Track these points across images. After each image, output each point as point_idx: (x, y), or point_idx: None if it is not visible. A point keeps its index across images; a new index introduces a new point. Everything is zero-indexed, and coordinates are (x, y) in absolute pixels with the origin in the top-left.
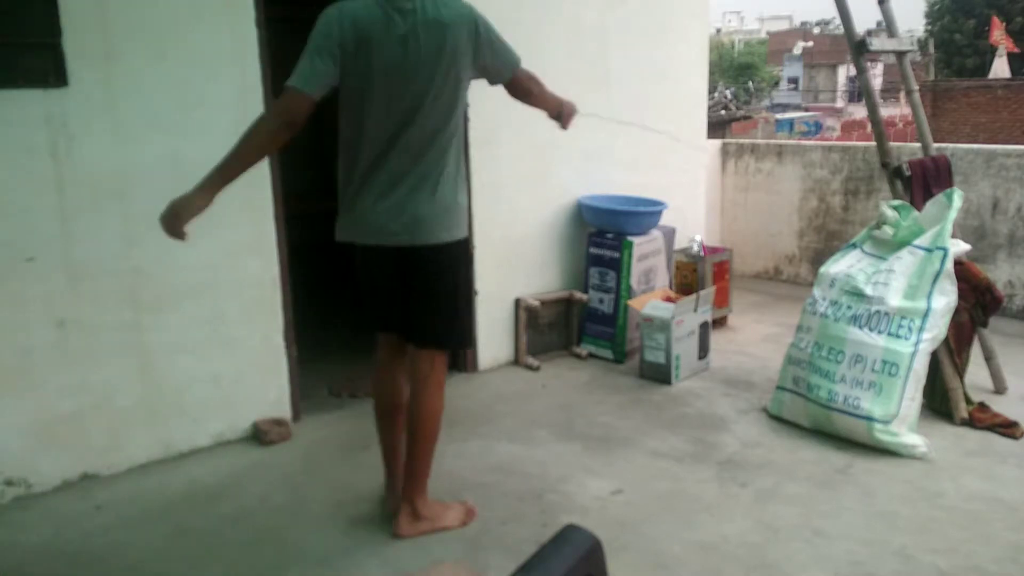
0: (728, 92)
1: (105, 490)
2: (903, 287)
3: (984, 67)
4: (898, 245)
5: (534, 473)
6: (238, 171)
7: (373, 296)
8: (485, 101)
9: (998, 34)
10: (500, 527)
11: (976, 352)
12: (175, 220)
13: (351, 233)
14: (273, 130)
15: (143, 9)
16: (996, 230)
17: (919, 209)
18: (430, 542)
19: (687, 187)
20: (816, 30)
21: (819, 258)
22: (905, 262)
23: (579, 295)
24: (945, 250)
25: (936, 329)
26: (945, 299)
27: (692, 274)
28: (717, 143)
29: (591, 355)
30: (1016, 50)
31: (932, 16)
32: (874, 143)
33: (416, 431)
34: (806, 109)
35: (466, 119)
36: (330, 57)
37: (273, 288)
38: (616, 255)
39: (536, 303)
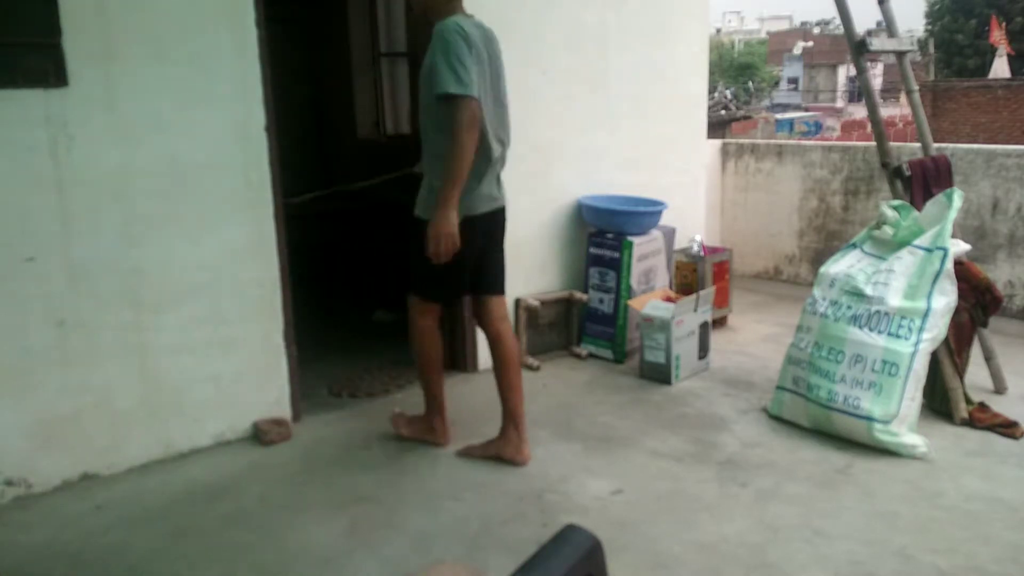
0: (728, 92)
1: (105, 490)
2: (903, 287)
3: (984, 67)
4: (898, 245)
5: (534, 473)
6: (463, 179)
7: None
8: None
9: (997, 34)
10: (500, 527)
11: (976, 352)
12: (452, 239)
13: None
14: (475, 138)
15: (143, 9)
16: (996, 230)
17: (919, 209)
18: (430, 542)
19: (687, 187)
20: (816, 30)
21: (819, 258)
22: (905, 262)
23: (579, 295)
24: (945, 250)
25: (936, 329)
26: (945, 299)
27: (692, 274)
28: (717, 143)
29: (591, 355)
30: (1012, 52)
31: (932, 16)
32: (874, 143)
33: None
34: (806, 109)
35: None
36: (476, 65)
37: (273, 288)
38: (616, 255)
39: (536, 303)
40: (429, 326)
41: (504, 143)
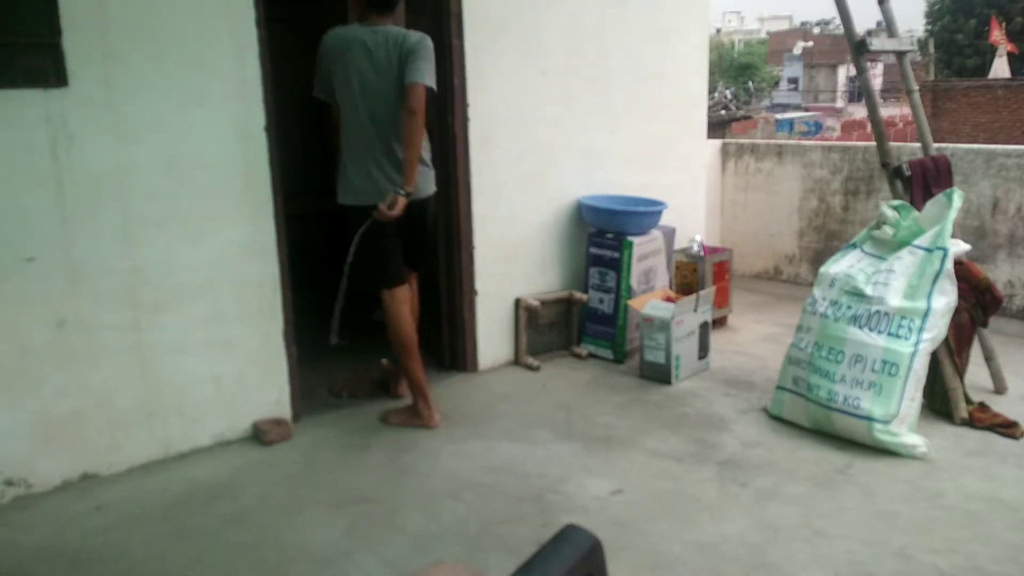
0: (728, 92)
1: (105, 490)
2: (903, 287)
3: (984, 67)
4: (898, 245)
5: (534, 473)
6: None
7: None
8: (486, 102)
9: (997, 34)
10: (500, 527)
11: (976, 352)
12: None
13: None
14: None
15: (143, 9)
16: (996, 230)
17: (919, 209)
18: (430, 542)
19: (687, 187)
20: (816, 30)
21: (819, 258)
22: (905, 262)
23: (579, 295)
24: (945, 250)
25: (936, 329)
26: (945, 299)
27: (692, 274)
28: (717, 143)
29: (591, 355)
30: (1015, 51)
31: (932, 16)
32: (874, 143)
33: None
34: (806, 109)
35: (466, 119)
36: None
37: (273, 288)
38: (616, 255)
39: (536, 303)
40: (400, 311)
41: (383, 137)
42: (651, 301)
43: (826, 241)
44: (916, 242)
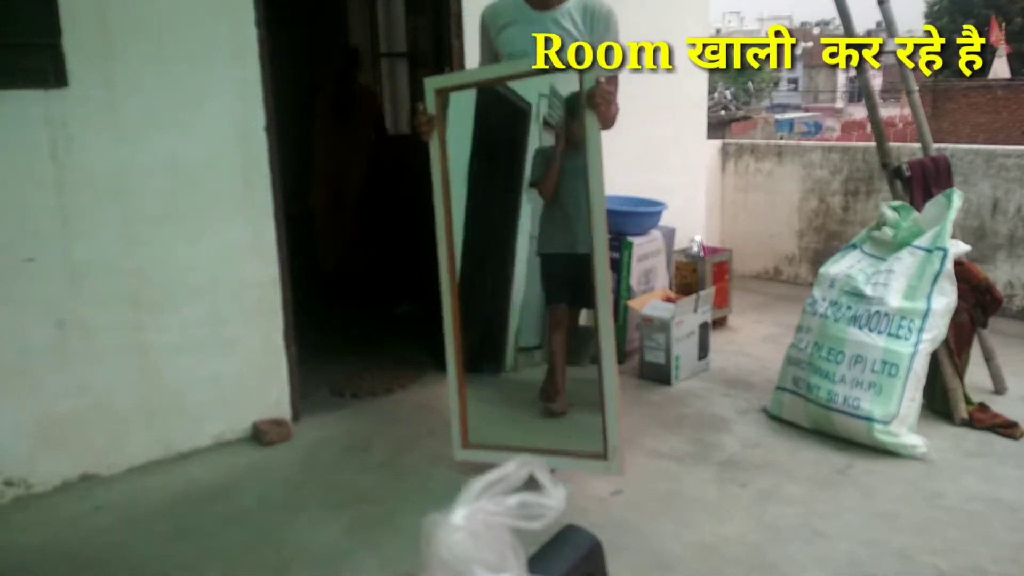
0: (728, 92)
1: (105, 490)
2: (903, 287)
3: (984, 67)
4: (898, 246)
5: None
6: None
7: None
8: None
9: (996, 35)
10: None
11: (976, 352)
12: None
13: None
14: None
15: (143, 9)
16: (996, 230)
17: (919, 210)
18: None
19: (687, 187)
20: (816, 30)
21: (819, 258)
22: (905, 263)
23: None
24: (945, 250)
25: (936, 329)
26: (945, 299)
27: (692, 274)
28: (717, 143)
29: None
30: (1010, 51)
31: (931, 16)
32: (874, 143)
33: None
34: (806, 110)
35: None
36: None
37: (273, 288)
38: (616, 255)
39: None
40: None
41: None
42: (651, 301)
43: (826, 241)
44: (916, 243)
